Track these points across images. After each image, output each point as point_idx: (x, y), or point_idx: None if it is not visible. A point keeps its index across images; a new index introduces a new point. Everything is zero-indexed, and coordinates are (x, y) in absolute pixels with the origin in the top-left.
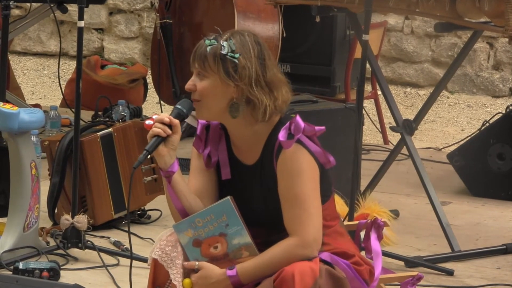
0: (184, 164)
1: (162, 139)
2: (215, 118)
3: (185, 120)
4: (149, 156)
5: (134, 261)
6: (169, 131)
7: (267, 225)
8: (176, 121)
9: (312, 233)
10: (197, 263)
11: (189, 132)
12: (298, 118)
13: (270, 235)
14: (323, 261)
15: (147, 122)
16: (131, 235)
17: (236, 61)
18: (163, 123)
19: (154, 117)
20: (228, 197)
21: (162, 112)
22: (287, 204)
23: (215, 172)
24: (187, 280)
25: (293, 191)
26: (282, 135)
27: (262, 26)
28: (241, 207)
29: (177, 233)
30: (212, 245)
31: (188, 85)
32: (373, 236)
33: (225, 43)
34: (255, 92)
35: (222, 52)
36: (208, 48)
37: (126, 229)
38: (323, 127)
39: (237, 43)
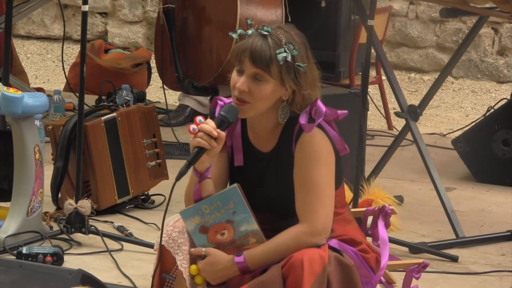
0: (188, 150)
1: (205, 150)
2: (259, 116)
3: (189, 105)
4: (153, 140)
5: (138, 246)
6: (215, 145)
7: (277, 211)
8: (223, 134)
9: (323, 222)
10: (204, 249)
11: (192, 117)
12: (319, 102)
13: (279, 221)
14: (331, 248)
15: (192, 128)
16: (134, 220)
17: (302, 70)
18: (210, 135)
19: (198, 120)
20: (235, 185)
21: (165, 96)
22: (301, 190)
23: (228, 158)
24: (193, 267)
25: (309, 177)
26: (303, 119)
27: (264, 10)
28: (252, 193)
29: (184, 219)
30: (219, 231)
31: (242, 86)
32: (380, 224)
33: (287, 49)
34: (314, 92)
35: (288, 60)
36: (280, 57)
37: (130, 214)
38: (345, 111)
39: (297, 48)
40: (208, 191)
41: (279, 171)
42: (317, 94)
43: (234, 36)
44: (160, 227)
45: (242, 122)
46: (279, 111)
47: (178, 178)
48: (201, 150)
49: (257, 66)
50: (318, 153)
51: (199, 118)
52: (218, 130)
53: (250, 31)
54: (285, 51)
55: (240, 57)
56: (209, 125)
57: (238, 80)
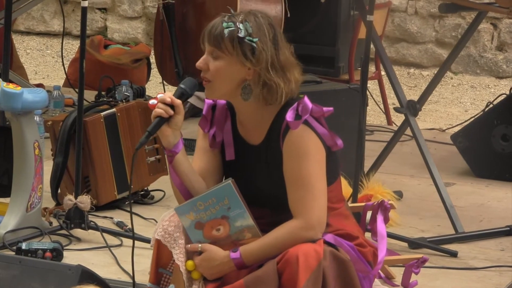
0: (187, 145)
1: (164, 120)
2: (225, 98)
3: (189, 100)
4: (152, 137)
5: (137, 242)
6: (171, 112)
7: (272, 205)
8: (178, 101)
9: (316, 216)
10: (200, 245)
11: (192, 112)
12: (306, 99)
13: (275, 215)
14: (327, 243)
15: (151, 102)
16: (134, 215)
17: (254, 44)
18: (165, 103)
19: (158, 96)
20: (229, 181)
21: (165, 91)
22: (292, 186)
23: (220, 153)
24: (190, 262)
25: (299, 172)
26: (289, 116)
27: (264, 6)
28: (246, 187)
29: (179, 215)
30: (214, 227)
31: (200, 63)
32: (379, 218)
33: (241, 26)
34: (271, 75)
35: (240, 35)
36: (226, 31)
37: (129, 209)
38: (331, 108)
39: (253, 26)
40: (183, 171)
41: (270, 164)
42: (291, 81)
43: None
44: (158, 221)
45: (232, 118)
46: (241, 91)
47: (138, 147)
48: (160, 120)
49: (210, 44)
50: (305, 149)
51: (159, 94)
52: (172, 97)
53: None
54: (232, 26)
55: (202, 40)
56: (165, 95)
57: None
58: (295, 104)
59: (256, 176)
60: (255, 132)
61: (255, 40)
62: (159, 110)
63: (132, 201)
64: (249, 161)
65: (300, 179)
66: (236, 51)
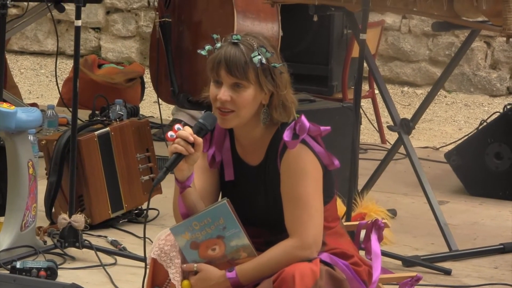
0: None
1: (183, 157)
2: (242, 125)
3: (182, 119)
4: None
5: (131, 261)
6: (192, 150)
7: (269, 225)
8: (200, 140)
9: (313, 235)
10: (195, 265)
11: None
12: (303, 118)
13: (272, 235)
14: (323, 262)
15: (170, 134)
16: (128, 234)
17: (277, 69)
18: (186, 141)
19: (176, 127)
20: (225, 201)
21: (160, 110)
22: (288, 204)
23: (218, 172)
24: (186, 282)
25: (296, 191)
26: (287, 135)
27: (261, 26)
28: (243, 207)
29: (175, 235)
30: (210, 247)
31: (224, 96)
32: (373, 237)
33: (259, 52)
34: (288, 94)
35: (263, 62)
36: (255, 60)
37: (123, 228)
38: (328, 127)
39: (269, 49)
40: (191, 201)
41: (268, 184)
42: (292, 96)
43: (203, 53)
44: (153, 241)
45: (231, 137)
46: (261, 115)
47: (156, 184)
48: (179, 156)
49: (235, 75)
50: (303, 168)
51: (177, 126)
52: (195, 136)
53: (218, 44)
54: (258, 54)
55: (216, 69)
56: (186, 131)
57: (217, 92)
58: (292, 123)
59: (254, 196)
60: (254, 153)
61: (278, 65)
62: (180, 148)
63: (126, 219)
64: (248, 181)
65: (297, 198)
66: (261, 78)
